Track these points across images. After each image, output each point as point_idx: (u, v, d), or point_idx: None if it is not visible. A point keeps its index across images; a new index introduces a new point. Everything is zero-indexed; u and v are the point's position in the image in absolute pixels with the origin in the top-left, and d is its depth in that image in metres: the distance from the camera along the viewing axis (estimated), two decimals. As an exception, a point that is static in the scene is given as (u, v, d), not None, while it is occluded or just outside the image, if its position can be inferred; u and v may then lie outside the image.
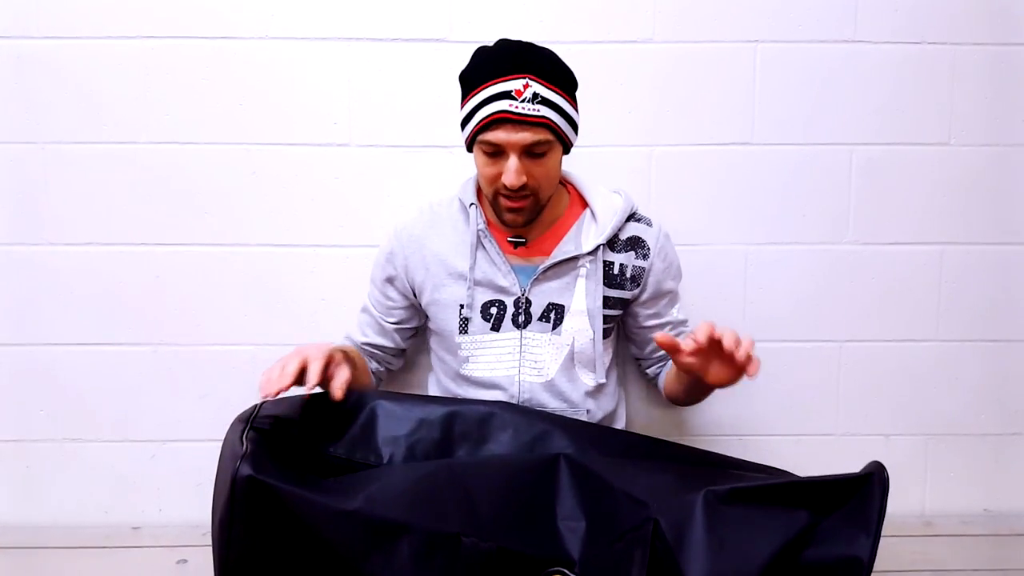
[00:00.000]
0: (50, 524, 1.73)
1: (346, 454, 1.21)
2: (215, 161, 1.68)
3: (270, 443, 1.11)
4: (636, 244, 1.45)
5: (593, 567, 1.10)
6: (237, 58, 1.66)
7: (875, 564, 1.00)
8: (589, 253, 1.42)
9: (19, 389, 1.72)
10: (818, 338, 1.76)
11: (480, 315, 1.43)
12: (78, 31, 1.64)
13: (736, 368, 1.21)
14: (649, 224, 1.47)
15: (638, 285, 1.46)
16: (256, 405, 1.20)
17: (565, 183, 1.49)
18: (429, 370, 1.59)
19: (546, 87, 1.29)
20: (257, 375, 1.68)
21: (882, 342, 1.76)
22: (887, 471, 1.05)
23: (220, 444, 1.14)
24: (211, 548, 1.08)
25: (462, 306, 1.43)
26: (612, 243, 1.44)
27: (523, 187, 1.31)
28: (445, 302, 1.44)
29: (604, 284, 1.43)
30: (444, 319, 1.45)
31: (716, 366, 1.24)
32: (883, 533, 1.02)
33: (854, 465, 1.11)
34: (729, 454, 1.39)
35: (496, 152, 1.32)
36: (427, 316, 1.50)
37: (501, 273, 1.42)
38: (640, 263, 1.45)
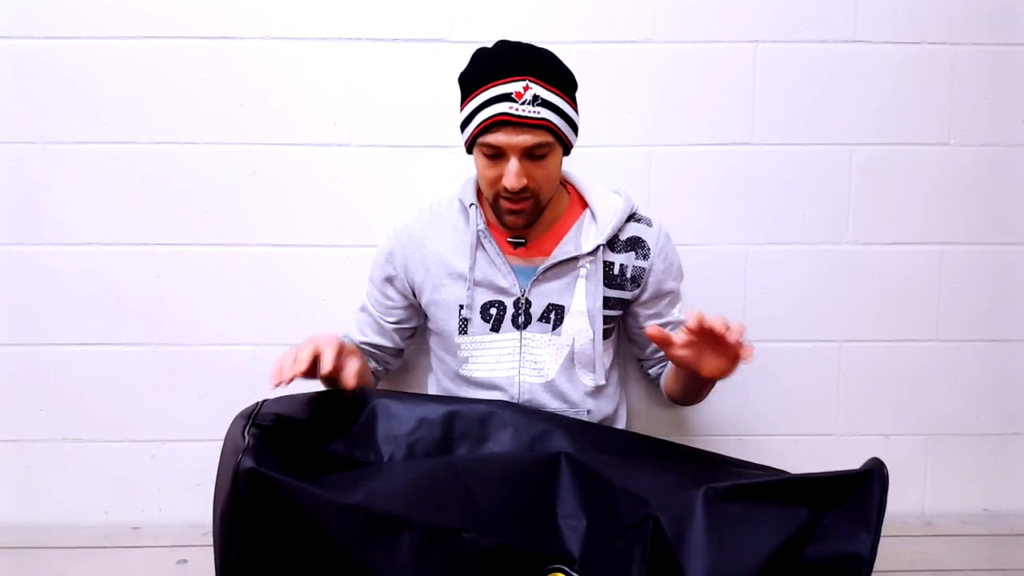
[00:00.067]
0: (50, 524, 1.73)
1: (346, 452, 1.21)
2: (215, 161, 1.68)
3: (272, 439, 1.11)
4: (636, 244, 1.45)
5: (593, 565, 1.10)
6: (237, 58, 1.66)
7: (875, 564, 1.00)
8: (589, 254, 1.42)
9: (19, 389, 1.72)
10: (818, 338, 1.76)
11: (480, 316, 1.43)
12: (78, 31, 1.64)
13: (729, 356, 1.22)
14: (649, 224, 1.47)
15: (638, 285, 1.46)
16: (258, 403, 1.21)
17: (565, 183, 1.49)
18: (429, 370, 1.59)
19: (546, 89, 1.29)
20: (257, 375, 1.71)
21: (882, 342, 1.76)
22: (886, 467, 1.05)
23: (220, 444, 1.14)
24: (211, 547, 1.08)
25: (462, 307, 1.43)
26: (612, 243, 1.44)
27: (524, 189, 1.31)
28: (445, 302, 1.44)
29: (604, 284, 1.43)
30: (444, 319, 1.45)
31: (709, 357, 1.25)
32: (883, 533, 1.02)
33: (854, 465, 1.11)
34: (729, 454, 1.40)
35: (496, 155, 1.32)
36: (426, 316, 1.50)
37: (501, 274, 1.42)
38: (640, 263, 1.45)
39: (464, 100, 1.35)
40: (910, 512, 1.79)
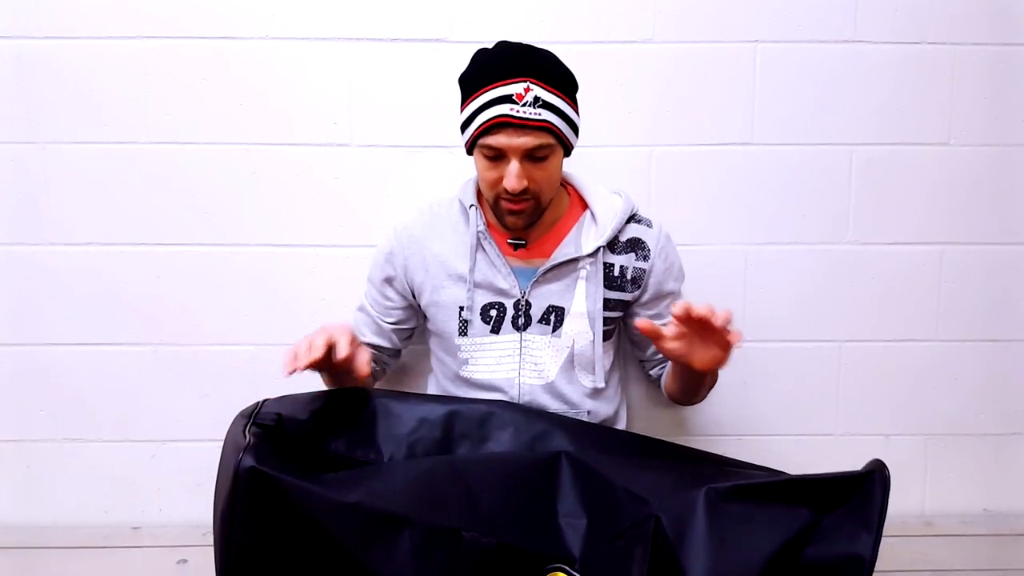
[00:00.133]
0: (50, 524, 1.73)
1: (347, 452, 1.21)
2: (215, 161, 1.68)
3: (272, 438, 1.11)
4: (636, 246, 1.45)
5: (594, 564, 1.10)
6: (237, 58, 1.66)
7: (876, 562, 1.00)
8: (589, 255, 1.42)
9: (19, 389, 1.72)
10: (818, 338, 1.76)
11: (480, 317, 1.43)
12: (78, 31, 1.64)
13: (719, 345, 1.22)
14: (649, 225, 1.47)
15: (639, 287, 1.46)
16: (259, 402, 1.21)
17: (565, 184, 1.49)
18: (429, 371, 1.59)
19: (547, 90, 1.29)
20: (257, 375, 1.71)
21: (882, 342, 1.76)
22: (888, 469, 1.05)
23: (220, 444, 1.15)
24: (211, 548, 1.08)
25: (462, 308, 1.43)
26: (612, 245, 1.44)
27: (524, 191, 1.31)
28: (445, 304, 1.44)
29: (604, 286, 1.43)
30: (444, 321, 1.45)
31: (699, 349, 1.25)
32: (883, 533, 1.02)
33: (854, 465, 1.11)
34: (729, 454, 1.40)
35: (497, 156, 1.31)
36: (425, 317, 1.50)
37: (501, 275, 1.42)
38: (640, 264, 1.45)
39: (464, 101, 1.35)
40: (910, 512, 1.79)
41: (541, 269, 1.41)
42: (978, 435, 1.80)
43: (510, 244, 1.43)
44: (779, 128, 1.70)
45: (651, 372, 1.60)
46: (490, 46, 1.36)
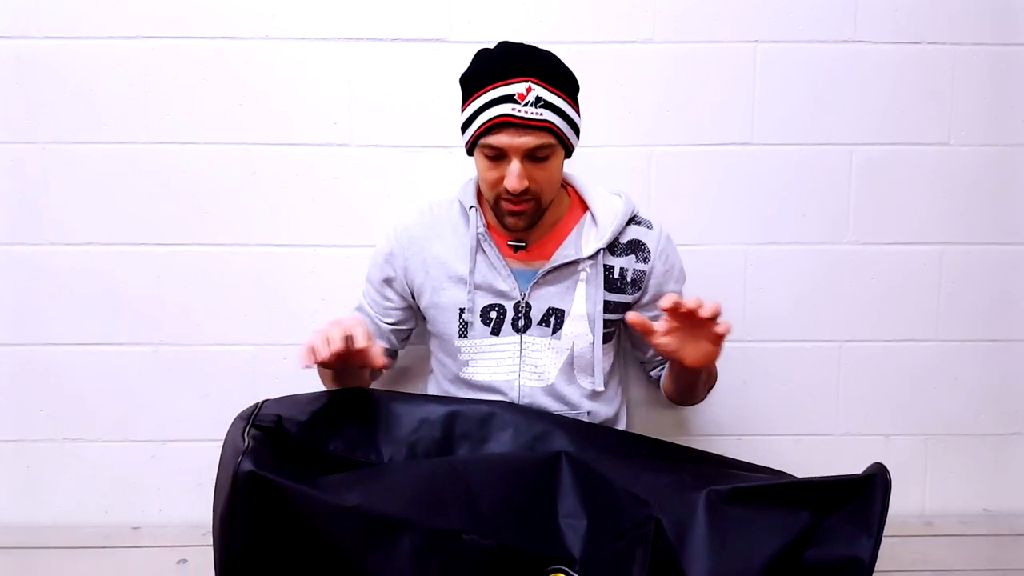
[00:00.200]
0: (50, 524, 1.73)
1: (347, 452, 1.21)
2: (215, 161, 1.67)
3: (272, 440, 1.11)
4: (637, 247, 1.45)
5: (594, 565, 1.10)
6: (237, 58, 1.65)
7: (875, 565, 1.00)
8: (589, 257, 1.41)
9: (19, 389, 1.72)
10: (818, 338, 1.76)
11: (480, 319, 1.42)
12: (78, 31, 1.64)
13: (708, 339, 1.22)
14: (650, 227, 1.47)
15: (639, 289, 1.45)
16: (258, 403, 1.21)
17: (565, 185, 1.48)
18: (429, 373, 1.59)
19: (549, 91, 1.29)
20: (257, 375, 1.71)
21: (882, 342, 1.76)
22: (889, 472, 1.05)
23: (220, 444, 1.14)
24: (211, 547, 1.08)
25: (462, 310, 1.42)
26: (612, 247, 1.43)
27: (525, 191, 1.31)
28: (445, 306, 1.44)
29: (604, 288, 1.42)
30: (444, 323, 1.44)
31: (690, 344, 1.25)
32: (883, 534, 1.02)
33: (854, 465, 1.11)
34: (729, 454, 1.40)
35: (498, 156, 1.31)
36: (424, 318, 1.50)
37: (501, 277, 1.42)
38: (641, 266, 1.44)
39: (465, 101, 1.34)
40: (910, 512, 1.79)
41: (541, 271, 1.41)
42: (978, 435, 1.80)
43: (510, 246, 1.43)
44: (779, 128, 1.70)
45: (651, 373, 1.60)
46: (490, 46, 1.36)
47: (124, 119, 1.66)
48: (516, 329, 1.42)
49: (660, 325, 1.23)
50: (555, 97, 1.29)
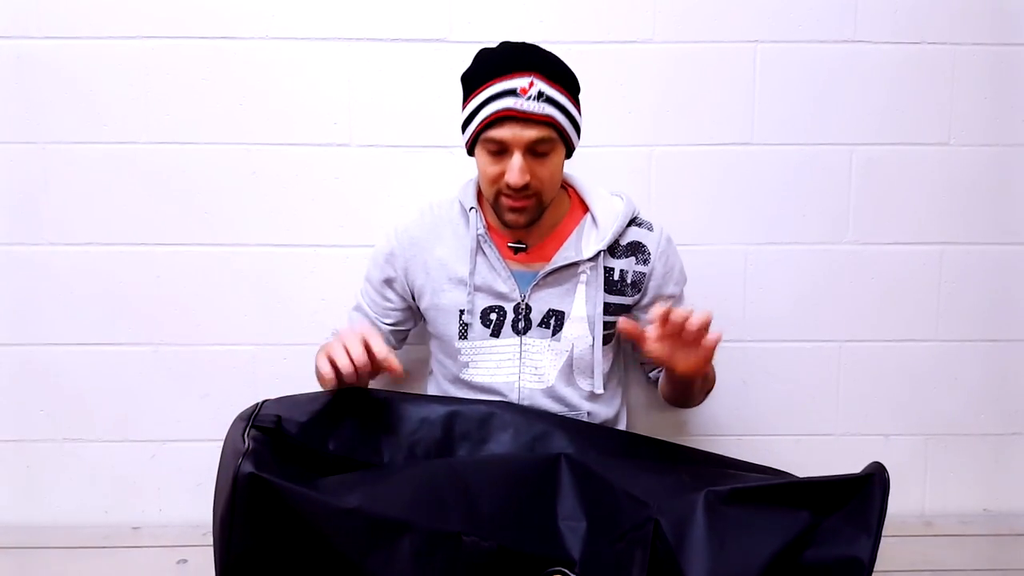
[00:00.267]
0: (50, 524, 1.73)
1: (347, 453, 1.21)
2: (215, 161, 1.67)
3: (272, 441, 1.11)
4: (637, 249, 1.44)
5: (594, 567, 1.10)
6: (237, 58, 1.65)
7: (875, 564, 1.00)
8: (589, 259, 1.41)
9: (19, 389, 1.72)
10: (818, 338, 1.76)
11: (480, 321, 1.42)
12: (78, 31, 1.63)
13: (698, 351, 1.22)
14: (650, 229, 1.46)
15: (639, 291, 1.45)
16: (258, 403, 1.20)
17: (566, 186, 1.48)
18: (429, 373, 1.59)
19: (551, 86, 1.28)
20: (257, 375, 1.71)
21: (882, 342, 1.76)
22: (888, 472, 1.05)
23: (220, 444, 1.14)
24: (211, 548, 1.08)
25: (462, 312, 1.42)
26: (612, 248, 1.43)
27: (526, 187, 1.30)
28: (445, 307, 1.43)
29: (604, 290, 1.42)
30: (444, 324, 1.44)
31: (680, 353, 1.24)
32: (883, 533, 1.02)
33: (854, 465, 1.11)
34: (729, 454, 1.40)
35: (500, 150, 1.31)
36: (424, 319, 1.50)
37: (501, 279, 1.42)
38: (641, 268, 1.44)
39: (467, 97, 1.34)
40: (910, 512, 1.79)
41: (541, 273, 1.41)
42: (978, 435, 1.80)
43: (510, 247, 1.43)
44: (779, 128, 1.70)
45: (651, 375, 1.60)
46: (491, 46, 1.36)
47: (124, 119, 1.66)
48: (516, 331, 1.42)
49: (650, 332, 1.23)
50: (557, 93, 1.29)
